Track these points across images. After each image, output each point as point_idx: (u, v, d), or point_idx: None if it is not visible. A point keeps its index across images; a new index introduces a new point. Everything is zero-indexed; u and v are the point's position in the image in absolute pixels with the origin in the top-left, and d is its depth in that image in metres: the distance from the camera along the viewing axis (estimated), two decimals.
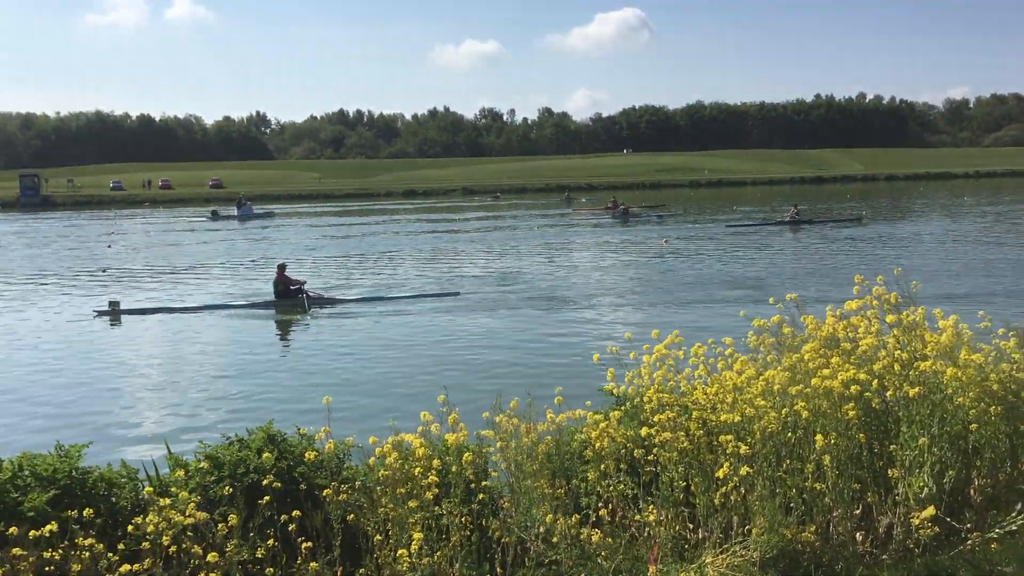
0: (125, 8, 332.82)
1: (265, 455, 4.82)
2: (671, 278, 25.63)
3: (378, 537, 4.48)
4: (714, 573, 4.32)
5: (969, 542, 4.69)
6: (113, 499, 4.75)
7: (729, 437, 4.61)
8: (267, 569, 4.33)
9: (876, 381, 4.85)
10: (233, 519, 4.39)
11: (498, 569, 4.62)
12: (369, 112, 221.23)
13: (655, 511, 4.64)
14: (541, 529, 4.62)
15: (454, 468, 4.64)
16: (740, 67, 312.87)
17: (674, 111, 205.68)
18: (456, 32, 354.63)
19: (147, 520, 4.27)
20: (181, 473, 4.86)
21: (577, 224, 52.33)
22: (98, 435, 10.29)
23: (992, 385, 4.88)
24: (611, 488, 4.78)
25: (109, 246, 42.34)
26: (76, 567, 4.10)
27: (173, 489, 4.66)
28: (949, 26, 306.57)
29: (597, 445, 4.83)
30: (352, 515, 4.59)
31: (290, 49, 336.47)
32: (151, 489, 4.60)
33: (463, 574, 4.50)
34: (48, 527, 4.15)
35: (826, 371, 4.74)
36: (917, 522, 4.50)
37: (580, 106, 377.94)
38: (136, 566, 4.12)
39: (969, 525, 4.79)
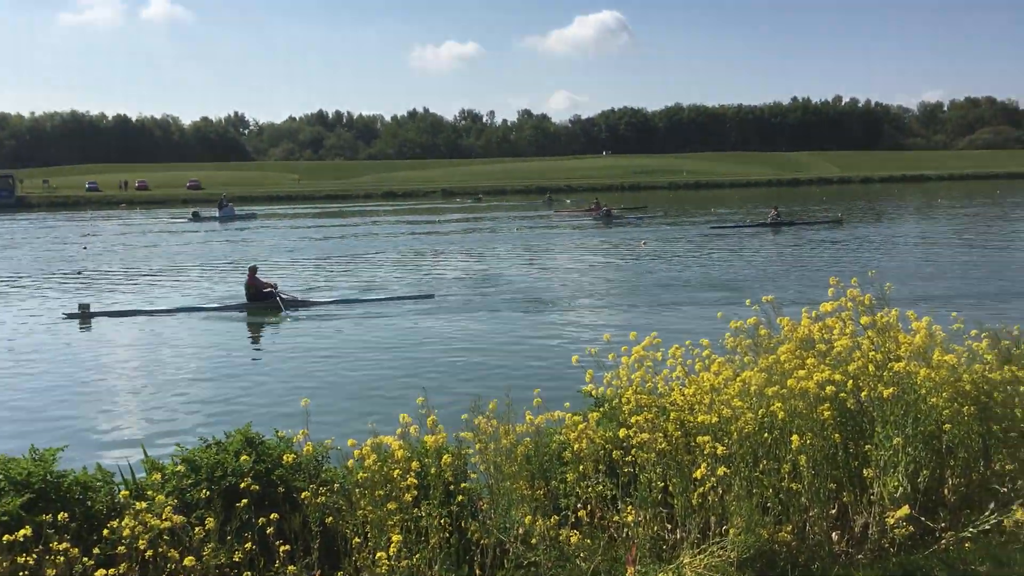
0: (100, 7, 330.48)
1: (243, 458, 4.80)
2: (650, 280, 25.73)
3: (357, 540, 4.47)
4: (692, 573, 4.34)
5: (943, 541, 4.75)
6: (88, 503, 4.71)
7: (706, 438, 4.65)
8: (245, 573, 4.31)
9: (851, 382, 4.91)
10: (210, 522, 4.37)
11: (477, 571, 4.62)
12: (348, 113, 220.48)
13: (634, 512, 4.67)
14: (520, 530, 4.63)
15: (433, 470, 4.65)
16: (718, 70, 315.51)
17: (653, 113, 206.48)
18: (435, 33, 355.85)
19: (123, 524, 4.23)
20: (158, 476, 4.82)
21: (558, 226, 52.38)
22: (73, 439, 10.17)
23: (965, 385, 4.95)
24: (590, 489, 4.80)
25: (85, 247, 41.86)
26: (51, 572, 4.07)
27: (149, 493, 4.62)
28: (924, 30, 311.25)
29: (576, 446, 4.85)
30: (331, 518, 4.58)
31: (268, 49, 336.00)
32: (127, 493, 4.56)
33: None
34: (22, 531, 4.11)
35: (802, 372, 4.79)
36: (892, 521, 4.56)
37: (559, 108, 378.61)
38: (112, 571, 4.08)
39: (943, 524, 4.85)
